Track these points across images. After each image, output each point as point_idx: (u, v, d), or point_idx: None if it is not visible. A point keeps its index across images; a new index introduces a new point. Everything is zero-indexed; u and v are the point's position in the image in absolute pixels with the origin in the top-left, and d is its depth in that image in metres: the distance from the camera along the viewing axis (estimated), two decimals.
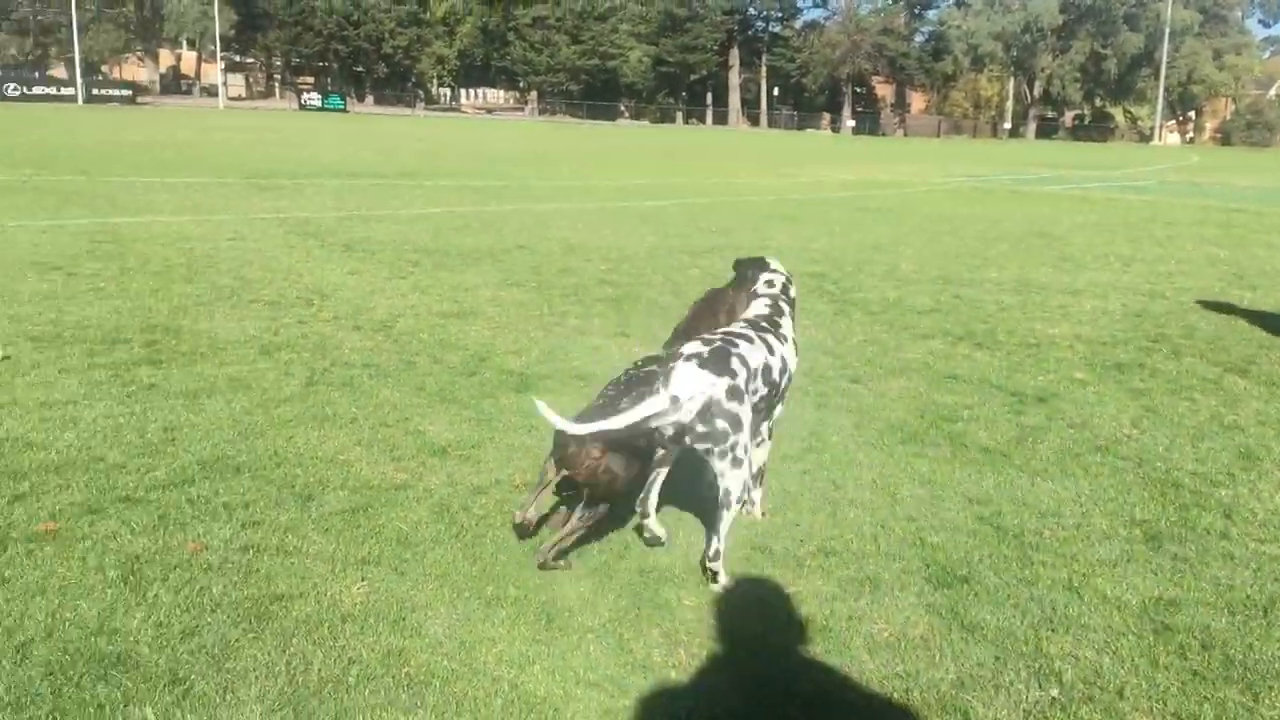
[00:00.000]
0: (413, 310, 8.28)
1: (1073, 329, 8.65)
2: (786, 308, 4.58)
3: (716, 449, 3.81)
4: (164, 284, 8.75)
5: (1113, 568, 4.15)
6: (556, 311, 8.57)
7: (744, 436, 3.84)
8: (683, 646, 3.46)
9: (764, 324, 4.33)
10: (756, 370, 4.00)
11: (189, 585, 3.65)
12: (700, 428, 3.78)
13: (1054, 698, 3.23)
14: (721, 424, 3.78)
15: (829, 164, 32.55)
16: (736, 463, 3.82)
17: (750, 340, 4.08)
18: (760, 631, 3.59)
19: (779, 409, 4.53)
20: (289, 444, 5.12)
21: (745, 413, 3.86)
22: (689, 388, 3.75)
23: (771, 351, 4.15)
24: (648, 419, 3.76)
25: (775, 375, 4.17)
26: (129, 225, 12.12)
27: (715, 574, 3.88)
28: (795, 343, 4.45)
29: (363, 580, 3.77)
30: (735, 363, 3.88)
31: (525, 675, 3.24)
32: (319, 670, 3.19)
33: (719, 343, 3.96)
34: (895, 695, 3.22)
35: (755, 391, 4.00)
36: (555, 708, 3.07)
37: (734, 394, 3.83)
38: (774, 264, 4.75)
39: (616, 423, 3.75)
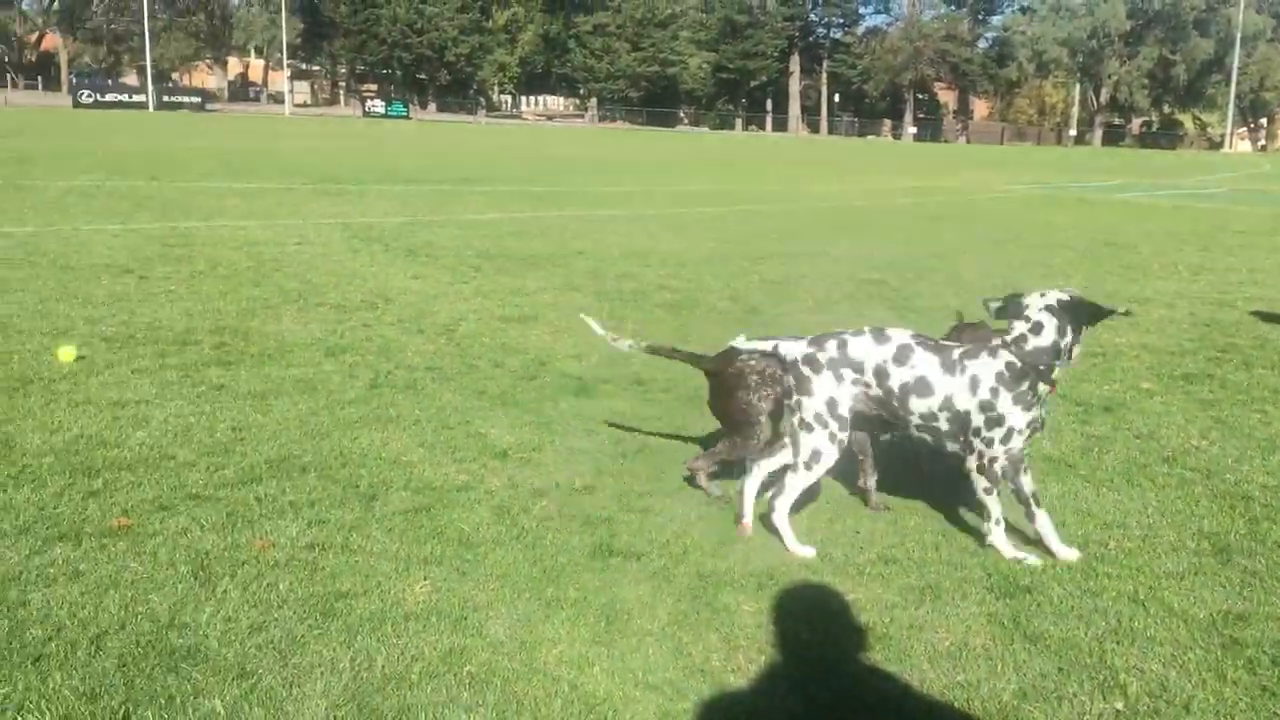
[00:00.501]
0: (474, 314, 8.37)
1: (1140, 338, 8.50)
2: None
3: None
4: (232, 287, 8.94)
5: (1180, 580, 4.08)
6: (615, 317, 8.60)
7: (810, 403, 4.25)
8: (741, 651, 3.46)
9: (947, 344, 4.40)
10: (863, 364, 4.25)
11: (256, 581, 3.73)
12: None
13: (1118, 710, 3.19)
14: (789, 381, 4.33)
15: (890, 171, 32.31)
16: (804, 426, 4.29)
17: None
18: (820, 638, 3.58)
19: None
20: (353, 444, 5.20)
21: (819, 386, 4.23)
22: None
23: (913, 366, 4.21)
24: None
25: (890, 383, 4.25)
26: (199, 229, 12.39)
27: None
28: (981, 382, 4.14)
29: (425, 579, 3.82)
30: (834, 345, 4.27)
31: (585, 676, 3.26)
32: (382, 667, 3.24)
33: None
34: (956, 704, 3.19)
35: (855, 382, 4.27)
36: (614, 709, 3.09)
37: (810, 362, 4.26)
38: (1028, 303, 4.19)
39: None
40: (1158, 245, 15.03)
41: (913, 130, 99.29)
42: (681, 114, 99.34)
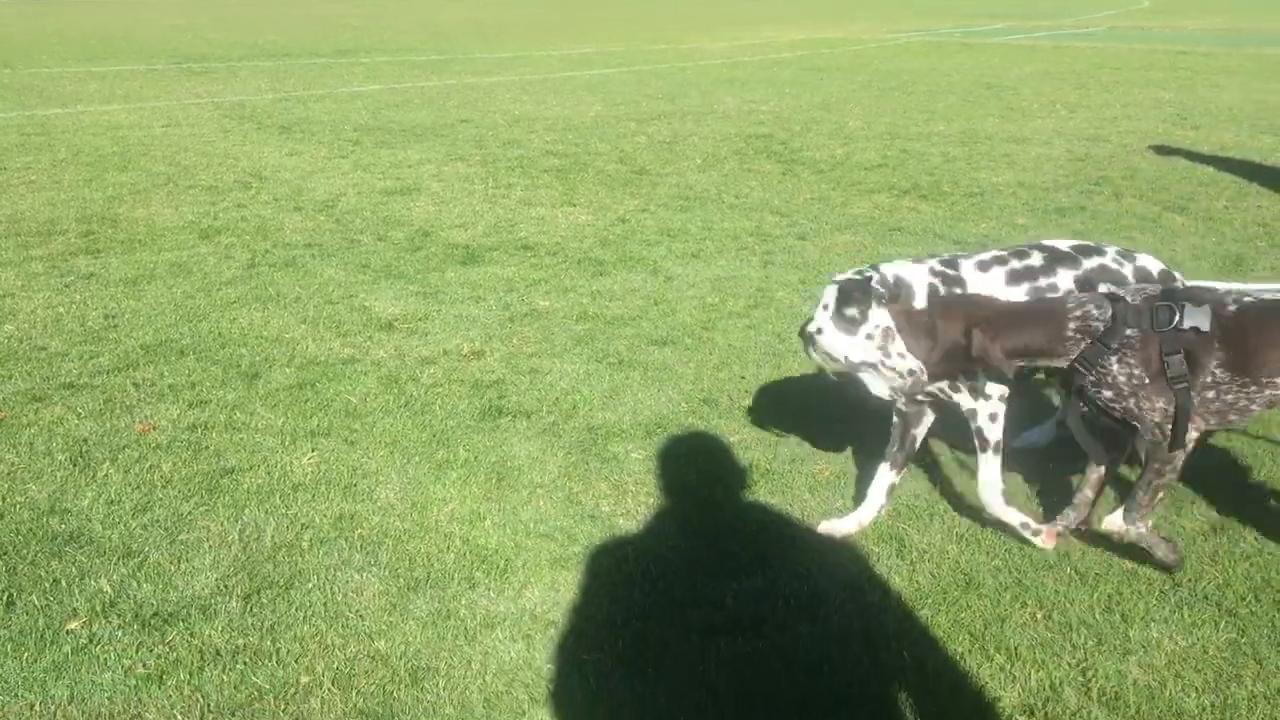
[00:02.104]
0: (354, 189, 8.17)
1: (1017, 176, 8.68)
2: None
3: None
4: (97, 174, 8.55)
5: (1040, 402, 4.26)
6: (502, 184, 8.48)
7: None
8: (630, 496, 3.55)
9: None
10: None
11: (138, 464, 3.68)
12: None
13: (985, 522, 3.36)
14: None
15: (778, 24, 31.94)
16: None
17: None
18: (705, 479, 3.68)
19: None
20: (233, 325, 5.10)
21: None
22: None
23: None
24: None
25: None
26: (58, 116, 11.76)
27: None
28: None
29: (313, 451, 3.82)
30: None
31: (476, 530, 3.32)
32: (272, 536, 3.25)
33: None
34: None
35: None
36: (506, 558, 3.16)
37: None
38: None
39: None
40: (1036, 86, 15.21)
41: None
42: None
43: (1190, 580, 3.01)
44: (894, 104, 13.38)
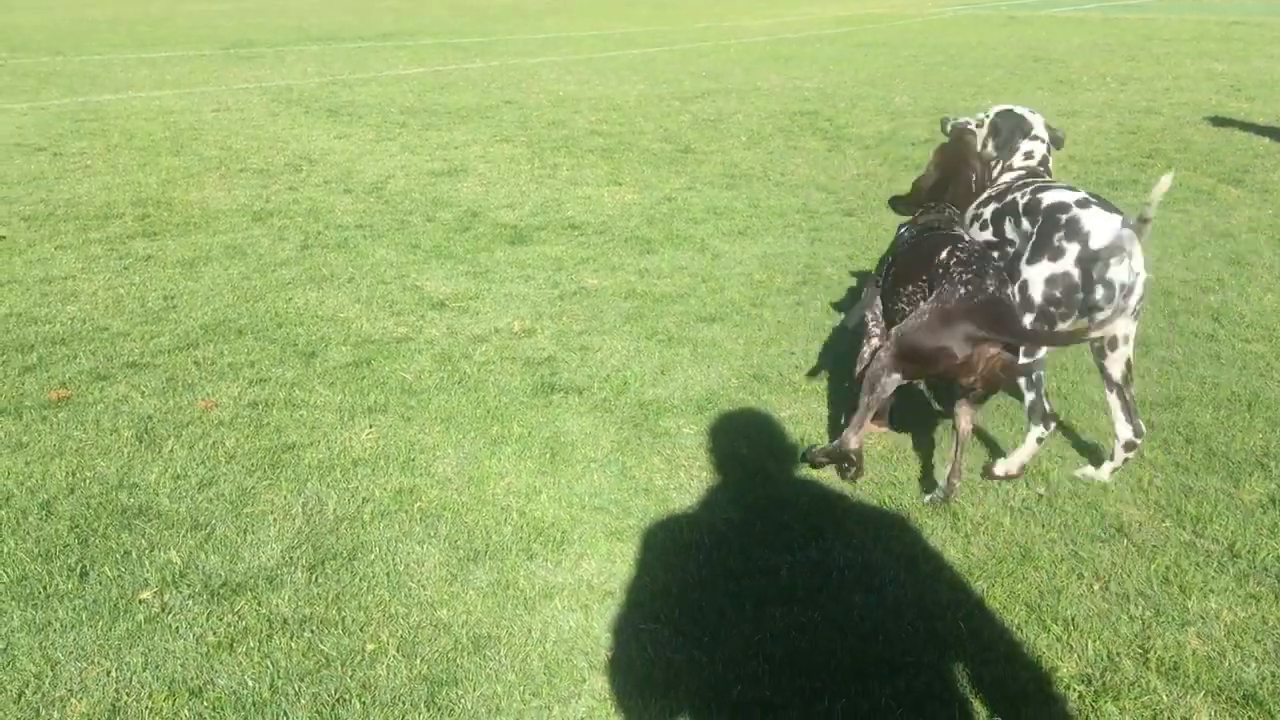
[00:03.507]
0: (403, 170, 8.24)
1: (1068, 150, 8.56)
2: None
3: None
4: (151, 158, 8.69)
5: (1099, 374, 4.23)
6: (548, 164, 8.51)
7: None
8: (683, 470, 3.58)
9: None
10: None
11: (202, 440, 3.77)
12: None
13: (1040, 495, 3.36)
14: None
15: (822, 2, 31.68)
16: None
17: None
18: (757, 453, 3.71)
19: None
20: (289, 305, 5.18)
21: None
22: None
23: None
24: None
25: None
26: (110, 103, 11.94)
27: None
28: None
29: (370, 427, 3.88)
30: None
31: (533, 504, 3.36)
32: (334, 509, 3.32)
33: None
34: (888, 501, 3.35)
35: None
36: (563, 530, 3.21)
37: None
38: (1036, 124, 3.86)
39: None
40: (1086, 58, 14.99)
41: None
42: None
43: (1249, 552, 2.99)
44: (941, 79, 13.24)
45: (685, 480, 3.51)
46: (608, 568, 3.02)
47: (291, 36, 20.47)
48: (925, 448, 3.69)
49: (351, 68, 15.27)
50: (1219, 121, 9.61)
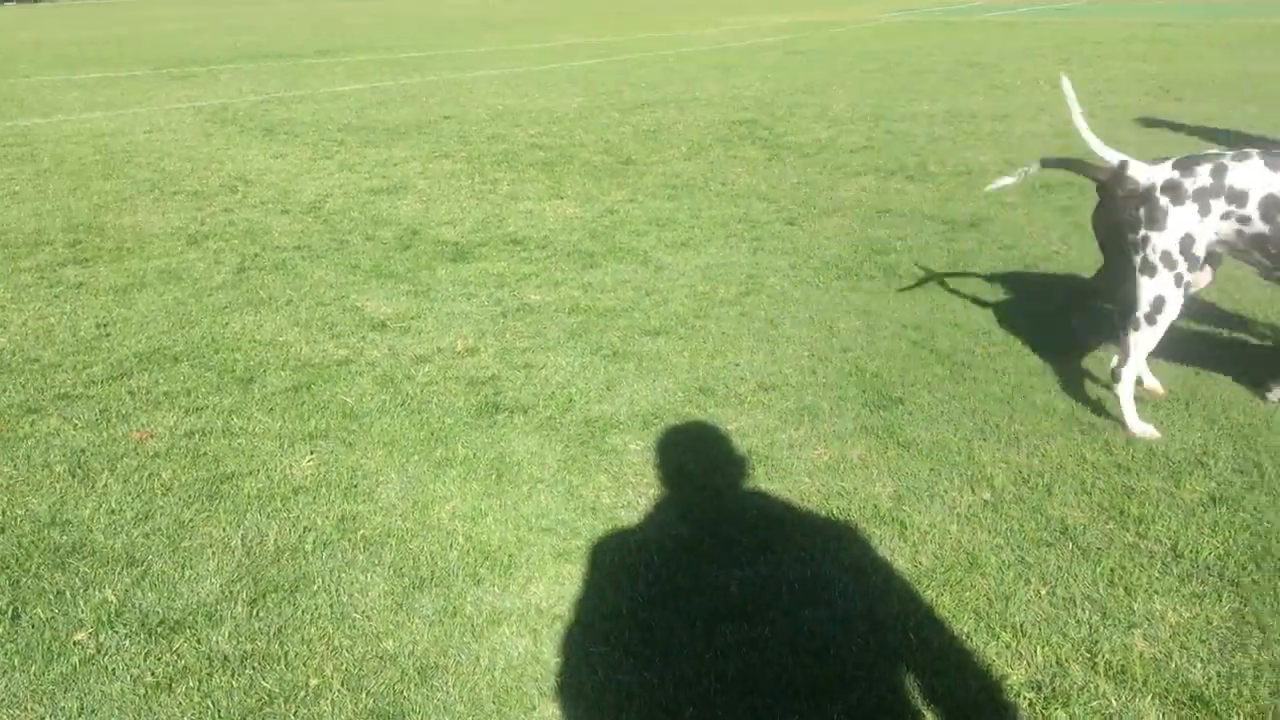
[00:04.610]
0: (341, 189, 8.14)
1: (1003, 154, 8.69)
2: None
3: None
4: (82, 183, 8.52)
5: (1042, 376, 4.29)
6: (489, 179, 8.46)
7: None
8: (631, 488, 3.55)
9: None
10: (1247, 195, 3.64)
11: (138, 473, 3.68)
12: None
13: (986, 500, 3.38)
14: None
15: (761, 9, 31.89)
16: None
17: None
18: (705, 467, 3.69)
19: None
20: (225, 330, 5.09)
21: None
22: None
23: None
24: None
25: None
26: (39, 126, 11.70)
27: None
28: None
29: (311, 454, 3.81)
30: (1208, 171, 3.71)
31: (479, 527, 3.32)
32: (275, 540, 3.25)
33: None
34: (835, 512, 3.34)
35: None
36: (510, 553, 3.17)
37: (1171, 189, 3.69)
38: None
39: None
40: (1019, 63, 15.23)
41: None
42: None
43: (1192, 551, 3.03)
44: (878, 85, 13.38)
45: (633, 498, 3.48)
46: (556, 590, 2.98)
47: (225, 55, 20.22)
48: (872, 457, 3.69)
49: (287, 85, 15.11)
50: (1148, 122, 9.80)
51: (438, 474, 3.66)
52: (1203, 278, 4.27)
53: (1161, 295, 3.71)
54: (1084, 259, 5.77)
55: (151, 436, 3.97)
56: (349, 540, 3.25)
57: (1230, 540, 3.07)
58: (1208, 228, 3.66)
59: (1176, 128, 9.45)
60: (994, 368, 4.40)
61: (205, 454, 3.82)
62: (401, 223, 7.08)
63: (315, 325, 5.14)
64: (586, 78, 15.30)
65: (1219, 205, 3.63)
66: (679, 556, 3.12)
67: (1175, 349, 4.47)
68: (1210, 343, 4.61)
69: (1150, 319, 3.76)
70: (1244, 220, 3.63)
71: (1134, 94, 11.74)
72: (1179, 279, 3.69)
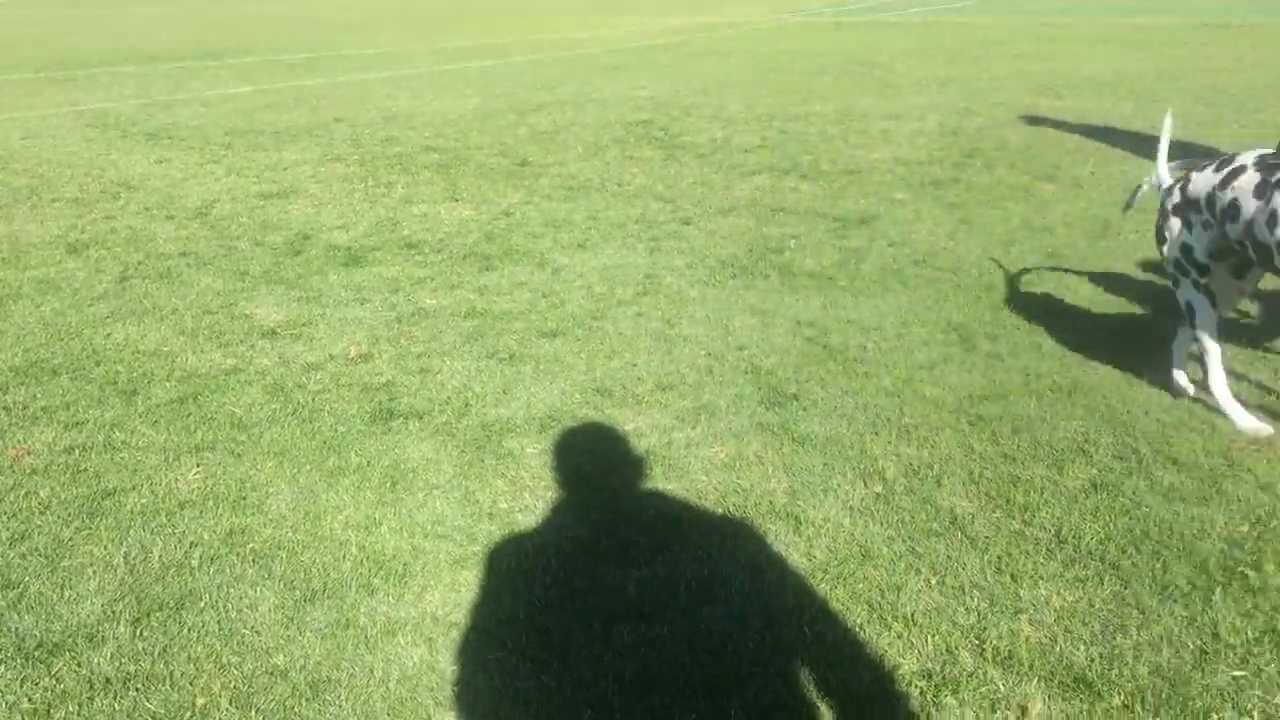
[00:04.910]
0: (229, 194, 7.94)
1: (893, 152, 8.87)
2: None
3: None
4: None
5: (931, 370, 4.38)
6: (382, 182, 8.34)
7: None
8: (528, 491, 3.53)
9: None
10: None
11: (14, 491, 3.53)
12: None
13: (878, 493, 3.44)
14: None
15: (657, 11, 32.05)
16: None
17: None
18: (602, 468, 3.69)
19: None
20: (107, 341, 4.92)
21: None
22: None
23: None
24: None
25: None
26: None
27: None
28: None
29: (198, 466, 3.71)
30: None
31: (372, 537, 3.26)
32: (159, 557, 3.15)
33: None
34: (732, 510, 3.37)
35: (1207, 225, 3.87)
36: (405, 562, 3.12)
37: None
38: None
39: None
40: (909, 62, 15.56)
41: None
42: None
43: (1074, 536, 3.12)
44: (772, 85, 13.54)
45: (530, 501, 3.46)
46: (453, 598, 2.95)
47: (108, 57, 19.58)
48: (767, 454, 3.73)
49: (172, 89, 14.70)
50: (1032, 120, 10.10)
51: (330, 484, 3.59)
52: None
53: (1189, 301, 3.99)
54: (970, 253, 5.92)
55: (28, 453, 3.82)
56: (237, 554, 3.17)
57: (1111, 524, 3.18)
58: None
59: (1057, 125, 9.75)
60: (885, 362, 4.48)
61: (86, 470, 3.69)
62: (292, 227, 6.94)
63: (202, 334, 5.00)
64: (482, 79, 15.19)
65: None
66: (576, 559, 3.11)
67: (1056, 344, 4.62)
68: (1092, 333, 4.76)
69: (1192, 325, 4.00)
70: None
71: (1018, 91, 12.09)
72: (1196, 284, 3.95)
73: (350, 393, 4.33)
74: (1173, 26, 19.21)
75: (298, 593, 2.97)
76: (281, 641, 2.76)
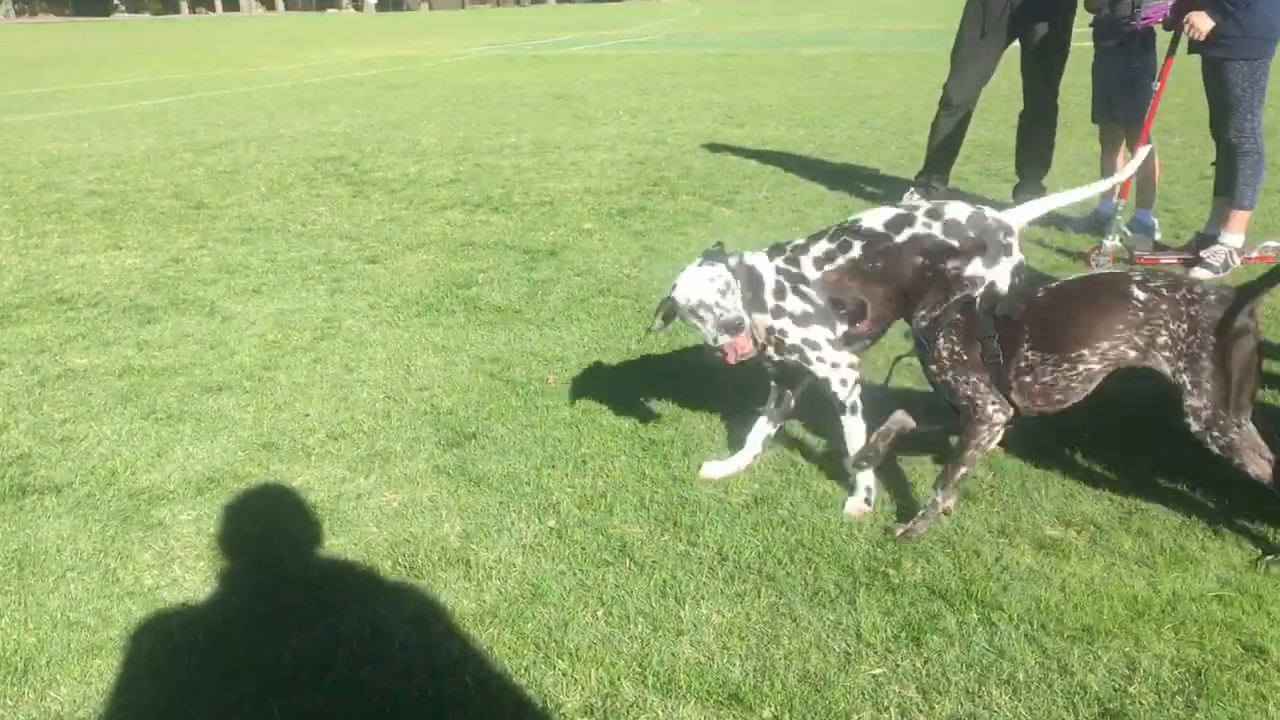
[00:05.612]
0: None
1: (584, 183, 8.99)
2: None
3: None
4: None
5: (611, 399, 4.40)
6: (35, 233, 7.65)
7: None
8: (178, 563, 3.26)
9: None
10: None
11: None
12: None
13: (551, 528, 3.40)
14: None
15: (351, 44, 31.38)
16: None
17: None
18: (266, 529, 3.47)
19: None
20: None
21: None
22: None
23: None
24: None
25: None
26: None
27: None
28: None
29: None
30: None
31: None
32: None
33: None
34: (401, 560, 3.24)
35: None
36: (27, 657, 2.79)
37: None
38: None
39: None
40: (603, 94, 15.91)
41: (374, 1, 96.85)
42: (117, 0, 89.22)
43: (735, 552, 3.19)
44: (467, 118, 13.49)
45: (180, 574, 3.20)
46: (82, 692, 2.66)
47: None
48: (443, 497, 3.62)
49: None
50: (715, 148, 10.51)
51: None
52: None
53: None
54: (653, 279, 6.05)
55: None
56: None
57: (769, 536, 3.27)
58: None
59: (737, 151, 10.20)
60: (564, 394, 4.48)
61: None
62: None
63: None
64: (158, 117, 14.31)
65: None
66: (230, 631, 2.89)
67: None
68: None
69: None
70: None
71: (704, 120, 12.58)
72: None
73: None
74: (842, 56, 20.63)
75: None
76: None
